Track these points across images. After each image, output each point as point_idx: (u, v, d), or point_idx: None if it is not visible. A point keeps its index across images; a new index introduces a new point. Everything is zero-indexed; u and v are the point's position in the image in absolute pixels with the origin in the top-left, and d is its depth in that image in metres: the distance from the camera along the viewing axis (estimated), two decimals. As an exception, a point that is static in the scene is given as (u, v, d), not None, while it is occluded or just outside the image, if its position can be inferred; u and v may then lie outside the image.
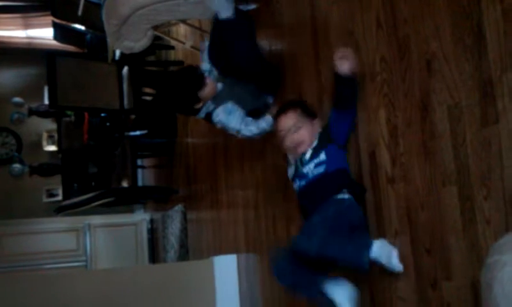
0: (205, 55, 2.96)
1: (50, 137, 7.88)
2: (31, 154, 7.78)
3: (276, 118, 2.35)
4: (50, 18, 5.64)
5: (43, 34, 7.80)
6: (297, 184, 2.24)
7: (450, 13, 1.68)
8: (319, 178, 2.15)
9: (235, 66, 2.84)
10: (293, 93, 2.78)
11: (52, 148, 7.82)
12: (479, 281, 1.24)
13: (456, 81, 1.66)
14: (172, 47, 5.47)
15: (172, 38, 4.88)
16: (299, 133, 2.23)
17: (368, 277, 2.10)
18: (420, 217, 1.83)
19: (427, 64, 1.79)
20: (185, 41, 4.75)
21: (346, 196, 2.09)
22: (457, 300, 1.68)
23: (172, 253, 5.45)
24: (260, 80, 2.91)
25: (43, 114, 7.54)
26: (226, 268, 3.44)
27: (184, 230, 5.13)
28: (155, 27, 3.86)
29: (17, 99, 7.68)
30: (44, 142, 7.97)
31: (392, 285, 1.97)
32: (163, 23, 4.10)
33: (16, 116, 7.73)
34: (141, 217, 7.05)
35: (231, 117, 2.79)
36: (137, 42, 3.83)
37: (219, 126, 2.87)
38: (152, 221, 6.95)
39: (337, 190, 2.09)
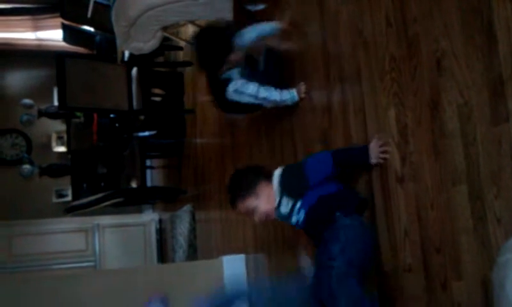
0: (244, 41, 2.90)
1: (60, 138, 7.92)
2: (40, 155, 7.82)
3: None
4: (59, 20, 5.68)
5: (52, 36, 7.84)
6: (294, 223, 2.21)
7: (460, 11, 1.68)
8: (308, 219, 2.14)
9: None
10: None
11: (62, 149, 7.86)
12: (489, 280, 1.23)
13: (466, 80, 1.66)
14: (181, 48, 5.48)
15: (181, 38, 4.89)
16: (259, 212, 2.25)
17: (377, 274, 2.09)
18: (430, 217, 1.82)
19: (437, 62, 1.78)
20: (193, 42, 4.75)
21: (343, 220, 2.02)
22: (467, 299, 1.67)
23: (181, 253, 5.46)
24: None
25: (52, 115, 7.57)
26: (234, 268, 3.44)
27: (193, 230, 5.13)
28: (164, 28, 3.87)
29: (27, 101, 7.72)
30: (53, 144, 8.01)
31: (402, 284, 1.96)
32: (172, 24, 4.11)
33: (25, 117, 7.77)
34: (149, 217, 7.07)
35: (247, 85, 2.75)
36: (146, 43, 3.84)
37: (234, 97, 2.79)
38: (160, 221, 6.96)
39: (330, 217, 2.05)
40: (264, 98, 2.75)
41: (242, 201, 2.27)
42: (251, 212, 2.27)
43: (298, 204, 2.15)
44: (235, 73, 2.83)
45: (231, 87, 2.78)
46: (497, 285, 1.11)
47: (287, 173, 2.25)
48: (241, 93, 2.76)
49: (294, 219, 2.18)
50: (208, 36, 2.89)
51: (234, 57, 2.81)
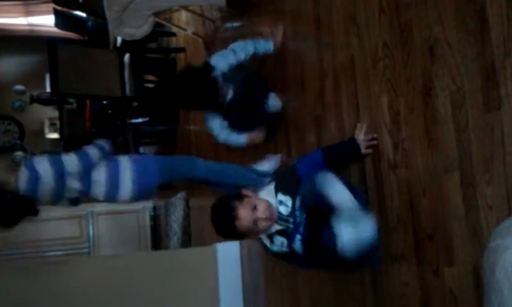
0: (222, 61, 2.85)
1: (52, 124, 7.88)
2: (33, 142, 7.78)
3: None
4: (51, 5, 5.62)
5: (44, 21, 7.77)
6: (297, 243, 2.00)
7: (453, -2, 1.67)
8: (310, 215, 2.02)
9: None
10: (295, 79, 2.77)
11: (54, 135, 7.83)
12: (480, 266, 1.24)
13: (459, 66, 1.65)
14: (173, 34, 5.44)
15: (173, 24, 4.86)
16: (260, 208, 1.98)
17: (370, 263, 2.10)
18: (422, 203, 1.83)
19: (429, 49, 1.78)
20: (186, 28, 4.73)
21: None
22: (459, 285, 1.68)
23: (175, 240, 5.47)
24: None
25: (44, 101, 7.53)
26: (228, 255, 3.45)
27: (187, 217, 5.14)
28: (157, 14, 3.85)
29: (19, 87, 7.67)
30: (46, 130, 7.97)
31: (395, 270, 1.97)
32: (164, 9, 4.08)
33: (18, 103, 7.72)
34: (143, 205, 7.06)
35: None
36: (139, 29, 3.82)
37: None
38: (154, 208, 6.96)
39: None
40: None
41: (241, 205, 1.99)
42: (251, 217, 1.97)
43: (298, 202, 2.03)
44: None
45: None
46: (487, 271, 1.11)
47: (279, 175, 2.19)
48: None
49: (298, 219, 2.01)
50: (192, 80, 2.69)
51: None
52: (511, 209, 1.48)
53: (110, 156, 2.71)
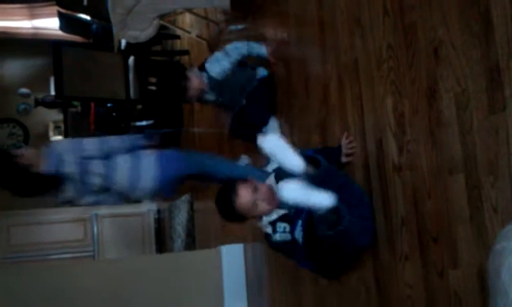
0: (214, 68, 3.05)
1: (57, 127, 7.90)
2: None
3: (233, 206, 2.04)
4: (55, 8, 5.64)
5: (48, 24, 7.80)
6: (299, 229, 2.02)
7: (457, 0, 1.67)
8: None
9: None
10: (300, 81, 2.77)
11: (59, 138, 7.84)
12: (485, 268, 1.23)
13: (463, 68, 1.65)
14: (178, 37, 5.45)
15: (178, 27, 4.88)
16: (261, 190, 2.02)
17: (374, 263, 2.10)
18: (427, 206, 1.83)
19: (434, 51, 1.77)
20: (190, 30, 4.74)
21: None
22: (463, 288, 1.67)
23: (179, 243, 5.47)
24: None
25: (49, 104, 7.55)
26: (233, 258, 3.45)
27: (191, 220, 5.14)
28: (161, 17, 3.86)
29: (24, 90, 7.70)
30: (51, 133, 7.99)
31: (399, 272, 1.97)
32: (169, 12, 4.09)
33: (22, 106, 7.75)
34: (148, 207, 7.07)
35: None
36: (143, 31, 3.83)
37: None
38: (159, 211, 6.97)
39: None
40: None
41: (245, 188, 2.03)
42: (252, 199, 2.02)
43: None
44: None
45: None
46: (493, 273, 1.11)
47: (277, 169, 2.16)
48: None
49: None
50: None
51: (194, 85, 2.97)
52: (516, 211, 1.47)
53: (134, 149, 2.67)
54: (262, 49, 2.96)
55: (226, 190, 2.07)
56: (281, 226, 2.05)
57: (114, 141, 2.66)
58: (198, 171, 2.69)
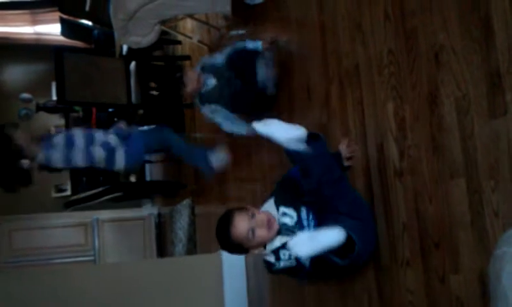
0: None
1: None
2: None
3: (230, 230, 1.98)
4: (57, 14, 5.65)
5: (50, 30, 7.82)
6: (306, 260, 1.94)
7: (458, 5, 1.67)
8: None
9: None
10: (301, 86, 2.78)
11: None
12: (487, 273, 1.23)
13: (464, 73, 1.65)
14: (179, 42, 5.46)
15: (179, 32, 4.88)
16: (258, 217, 1.96)
17: (376, 269, 2.10)
18: (428, 211, 1.83)
19: (435, 56, 1.78)
20: (192, 36, 4.75)
21: None
22: (465, 293, 1.67)
23: (180, 247, 5.47)
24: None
25: (51, 109, 7.55)
26: (234, 262, 3.45)
27: (192, 224, 5.14)
28: (162, 22, 3.87)
29: (25, 95, 7.70)
30: (52, 138, 7.99)
31: (401, 277, 1.97)
32: (170, 18, 4.10)
33: (24, 111, 7.75)
34: (149, 212, 7.07)
35: (216, 115, 3.17)
36: (145, 37, 3.83)
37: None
38: (160, 215, 6.96)
39: None
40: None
41: (242, 215, 1.97)
42: (249, 228, 1.95)
43: (303, 211, 2.03)
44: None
45: (202, 110, 3.20)
46: (494, 278, 1.11)
47: (277, 188, 2.15)
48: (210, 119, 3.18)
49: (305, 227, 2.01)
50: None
51: (191, 86, 3.13)
52: (518, 216, 1.47)
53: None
54: (257, 44, 3.01)
55: (222, 218, 2.00)
56: (285, 253, 1.96)
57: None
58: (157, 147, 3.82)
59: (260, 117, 2.00)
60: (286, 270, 2.01)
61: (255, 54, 2.99)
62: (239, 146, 3.69)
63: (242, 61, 3.03)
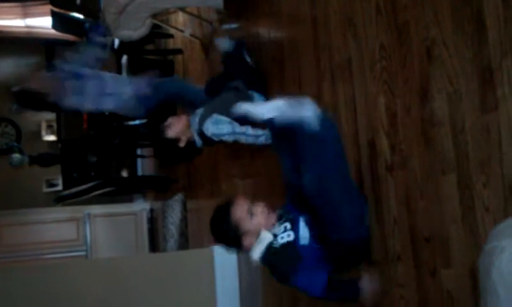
0: None
1: (50, 126, 7.86)
2: (30, 144, 7.76)
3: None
4: (48, 7, 5.61)
5: (42, 23, 7.75)
6: (302, 225, 1.99)
7: (450, -1, 1.67)
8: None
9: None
10: (293, 79, 2.77)
11: (52, 137, 7.80)
12: (477, 268, 1.23)
13: (456, 68, 1.65)
14: (171, 35, 5.44)
15: (171, 26, 4.86)
16: (259, 204, 2.06)
17: (366, 263, 2.10)
18: (419, 205, 1.83)
19: (426, 50, 1.78)
20: (184, 29, 4.73)
21: None
22: (456, 287, 1.68)
23: (172, 242, 5.46)
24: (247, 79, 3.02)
25: (42, 103, 7.50)
26: (226, 257, 3.44)
27: (184, 219, 5.13)
28: (154, 16, 3.85)
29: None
30: (43, 132, 7.95)
31: (392, 272, 1.97)
32: (162, 11, 4.08)
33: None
34: (140, 207, 7.05)
35: (220, 126, 2.74)
36: (136, 31, 3.82)
37: (216, 139, 2.81)
38: (151, 211, 6.95)
39: None
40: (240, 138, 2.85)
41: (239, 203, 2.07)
42: (247, 213, 2.04)
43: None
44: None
45: (207, 133, 2.80)
46: (483, 273, 1.11)
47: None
48: (218, 135, 2.79)
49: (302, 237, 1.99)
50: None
51: (178, 126, 2.93)
52: (508, 210, 1.48)
53: None
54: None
55: (224, 205, 2.07)
56: (281, 229, 2.00)
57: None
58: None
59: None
60: (283, 256, 1.98)
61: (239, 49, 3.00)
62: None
63: (235, 63, 3.05)
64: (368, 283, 1.97)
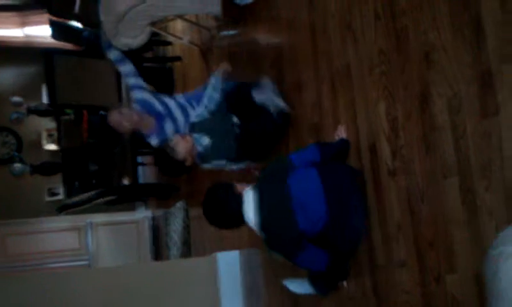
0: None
1: (50, 135, 7.85)
2: (31, 153, 7.75)
3: None
4: (47, 16, 5.61)
5: (40, 32, 7.76)
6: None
7: (448, 4, 1.67)
8: None
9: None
10: (292, 85, 2.77)
11: (52, 146, 7.79)
12: (482, 272, 1.23)
13: (455, 72, 1.65)
14: (169, 43, 5.44)
15: (169, 33, 4.86)
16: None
17: (371, 269, 2.09)
18: (422, 210, 1.82)
19: (425, 55, 1.77)
20: (182, 37, 4.73)
21: None
22: (461, 292, 1.67)
23: (175, 250, 5.44)
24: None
25: (42, 112, 7.50)
26: (229, 264, 3.44)
27: (187, 227, 5.11)
28: (153, 23, 3.84)
29: (16, 98, 7.64)
30: (44, 141, 7.94)
31: (396, 278, 1.96)
32: (160, 19, 4.08)
33: (15, 115, 7.69)
34: (142, 215, 7.04)
35: (217, 163, 3.03)
36: (135, 38, 3.81)
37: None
38: (153, 219, 6.93)
39: None
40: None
41: None
42: None
43: None
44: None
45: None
46: (490, 278, 1.10)
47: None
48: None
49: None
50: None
51: (182, 146, 2.90)
52: (510, 213, 1.47)
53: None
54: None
55: (210, 193, 2.32)
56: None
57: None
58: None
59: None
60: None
61: (247, 86, 2.92)
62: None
63: (240, 99, 2.94)
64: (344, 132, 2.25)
